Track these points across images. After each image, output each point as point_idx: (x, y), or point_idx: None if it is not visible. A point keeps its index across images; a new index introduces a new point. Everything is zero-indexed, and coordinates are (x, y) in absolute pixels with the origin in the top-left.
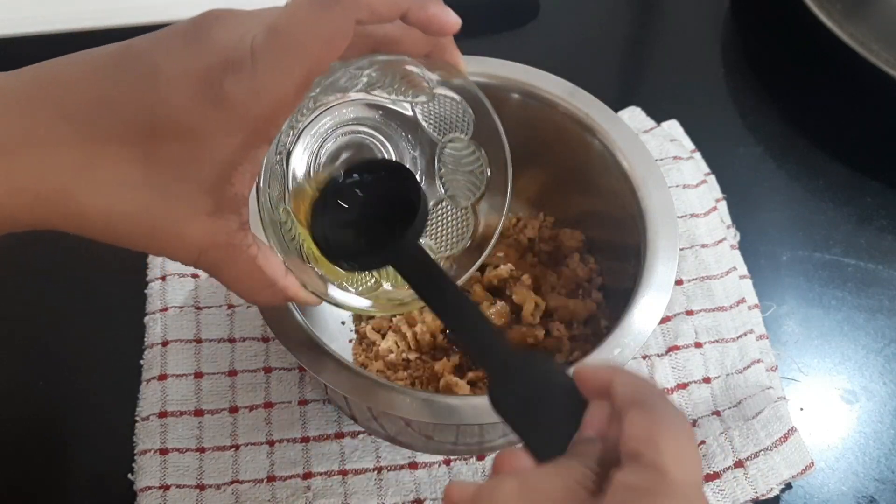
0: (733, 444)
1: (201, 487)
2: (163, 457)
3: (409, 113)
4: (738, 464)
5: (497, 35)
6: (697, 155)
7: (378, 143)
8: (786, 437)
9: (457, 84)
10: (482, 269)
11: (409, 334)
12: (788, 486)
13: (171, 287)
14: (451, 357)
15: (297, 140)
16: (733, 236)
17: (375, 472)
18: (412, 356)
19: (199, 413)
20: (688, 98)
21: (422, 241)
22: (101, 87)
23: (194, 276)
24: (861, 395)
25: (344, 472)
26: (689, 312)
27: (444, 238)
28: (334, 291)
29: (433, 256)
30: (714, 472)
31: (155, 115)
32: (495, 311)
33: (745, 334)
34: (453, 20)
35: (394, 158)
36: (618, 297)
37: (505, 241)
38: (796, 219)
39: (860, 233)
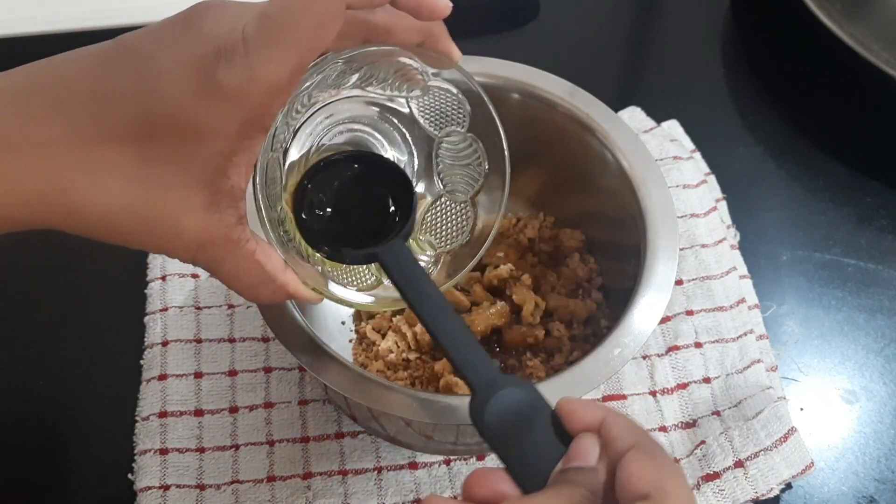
0: (733, 444)
1: (201, 487)
2: (163, 457)
3: (405, 109)
4: (739, 464)
5: (497, 35)
6: (697, 155)
7: (375, 141)
8: (786, 437)
9: (451, 76)
10: (482, 269)
11: (409, 334)
12: (788, 486)
13: (172, 287)
14: None
15: (293, 139)
16: (733, 236)
17: (375, 472)
18: (412, 356)
19: (199, 413)
20: (688, 98)
21: (421, 237)
22: (94, 82)
23: (194, 276)
24: (861, 395)
25: (344, 472)
26: (689, 312)
27: (443, 233)
28: (335, 288)
29: (433, 252)
30: (714, 472)
31: (149, 107)
32: (495, 311)
33: (745, 334)
34: (444, 4)
35: (390, 155)
36: (618, 297)
37: (505, 241)
38: (796, 219)
39: (860, 233)
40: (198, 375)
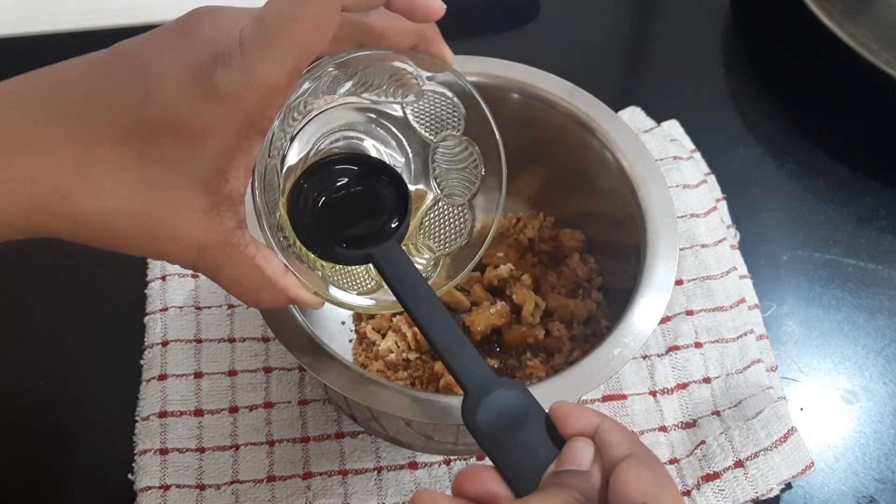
0: (733, 444)
1: (201, 487)
2: (163, 457)
3: (400, 115)
4: (739, 464)
5: (497, 35)
6: (697, 155)
7: (371, 147)
8: (786, 437)
9: (445, 79)
10: (482, 269)
11: (409, 334)
12: (788, 486)
13: (172, 287)
14: None
15: (290, 145)
16: (733, 236)
17: (375, 472)
18: (412, 356)
19: (199, 413)
20: (688, 98)
21: (420, 240)
22: (92, 87)
23: (194, 276)
24: (861, 395)
25: (344, 472)
26: (689, 312)
27: (442, 236)
28: (335, 292)
29: (433, 255)
30: (714, 471)
31: (147, 111)
32: (495, 311)
33: (745, 334)
34: (437, 5)
35: (386, 160)
36: (618, 297)
37: (505, 241)
38: (796, 219)
39: (860, 233)
40: (198, 375)
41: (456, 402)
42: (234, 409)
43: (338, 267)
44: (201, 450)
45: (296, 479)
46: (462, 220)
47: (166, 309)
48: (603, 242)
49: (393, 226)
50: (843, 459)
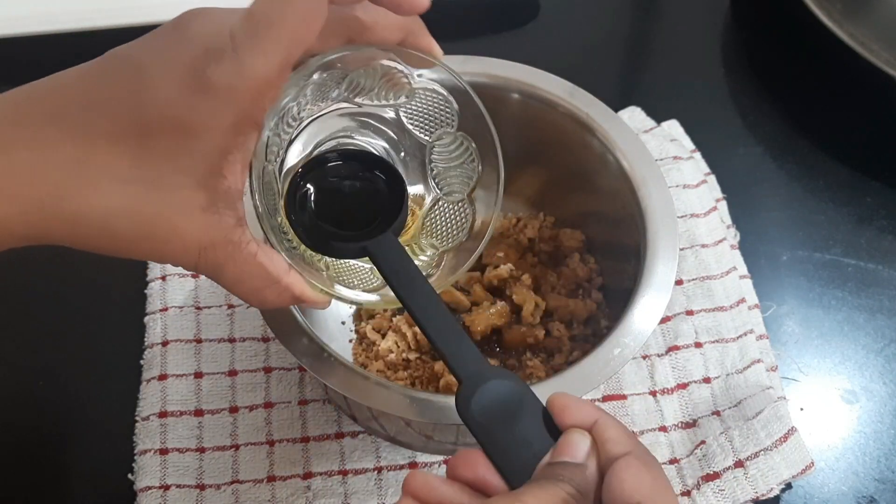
0: (733, 444)
1: (201, 487)
2: (163, 457)
3: (395, 118)
4: (739, 464)
5: (497, 35)
6: (697, 155)
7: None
8: (786, 437)
9: (435, 74)
10: (482, 269)
11: (409, 334)
12: (788, 485)
13: (172, 287)
14: None
15: (288, 151)
16: (733, 236)
17: (375, 472)
18: (412, 356)
19: (199, 413)
20: (688, 98)
21: (423, 240)
22: (88, 90)
23: (194, 276)
24: (861, 395)
25: (344, 472)
26: (689, 312)
27: (443, 233)
28: (341, 289)
29: (435, 251)
30: (714, 471)
31: (143, 109)
32: (495, 311)
33: (746, 334)
34: None
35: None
36: (618, 297)
37: (505, 241)
38: (796, 219)
39: (860, 233)
40: (198, 375)
41: None
42: (234, 409)
43: (342, 266)
44: (201, 450)
45: (296, 479)
46: (463, 214)
47: (166, 309)
48: (603, 242)
49: (388, 218)
50: (843, 459)
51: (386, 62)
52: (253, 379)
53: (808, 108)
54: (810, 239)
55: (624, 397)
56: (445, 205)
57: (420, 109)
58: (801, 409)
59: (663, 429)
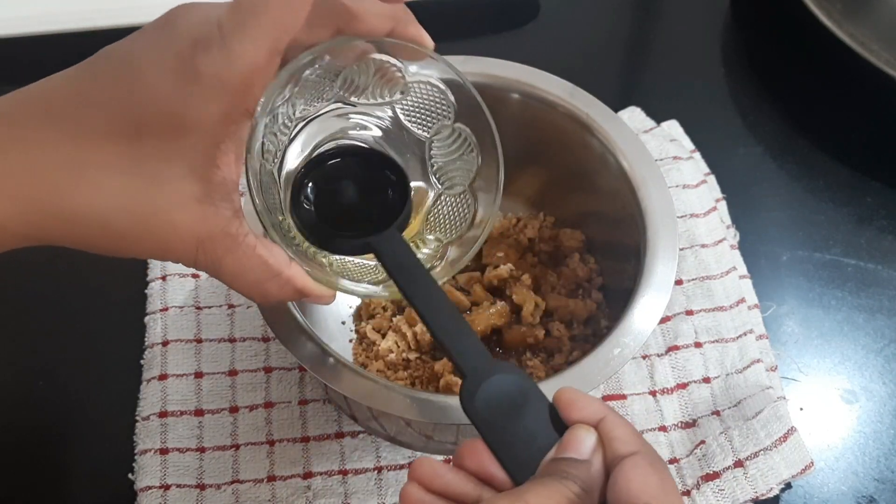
0: (733, 444)
1: (201, 487)
2: (163, 456)
3: (392, 117)
4: (738, 463)
5: (497, 35)
6: (697, 155)
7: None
8: (785, 437)
9: (428, 66)
10: (482, 269)
11: (409, 334)
12: (788, 485)
13: (172, 287)
14: None
15: (287, 152)
16: (733, 236)
17: (375, 471)
18: (412, 356)
19: (199, 413)
20: (688, 98)
21: (429, 235)
22: (81, 88)
23: (194, 275)
24: (861, 394)
25: (344, 472)
26: (689, 312)
27: (447, 226)
28: (345, 281)
29: (440, 244)
30: (714, 471)
31: (134, 103)
32: (495, 311)
33: (745, 334)
34: None
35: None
36: (618, 297)
37: (505, 241)
38: (796, 219)
39: (860, 233)
40: (198, 375)
41: (456, 401)
42: (234, 409)
43: (344, 264)
44: (201, 449)
45: (296, 478)
46: (465, 206)
47: (166, 309)
48: (603, 242)
49: (392, 214)
50: (843, 459)
51: (378, 56)
52: (253, 379)
53: (808, 108)
54: (810, 239)
55: (624, 397)
56: (447, 198)
57: (416, 104)
58: (801, 409)
59: (663, 429)
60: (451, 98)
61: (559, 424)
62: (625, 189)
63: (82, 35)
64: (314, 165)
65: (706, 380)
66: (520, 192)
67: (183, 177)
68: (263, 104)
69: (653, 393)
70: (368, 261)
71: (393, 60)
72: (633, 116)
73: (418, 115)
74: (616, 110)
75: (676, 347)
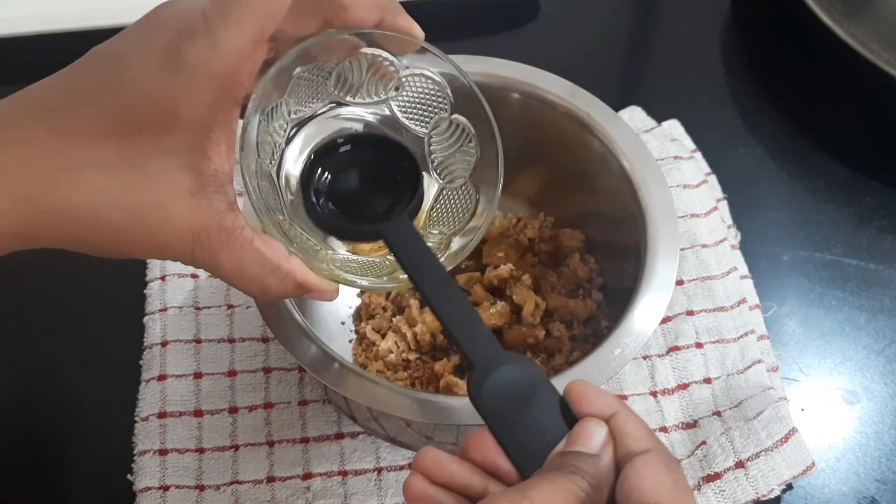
0: (734, 445)
1: (201, 488)
2: (162, 457)
3: (389, 115)
4: (739, 464)
5: (497, 35)
6: (698, 155)
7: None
8: (787, 438)
9: (421, 58)
10: (482, 269)
11: (409, 334)
12: (789, 486)
13: (171, 287)
14: (451, 357)
15: (284, 154)
16: (734, 236)
17: (375, 472)
18: (412, 356)
19: (198, 413)
20: (688, 98)
21: (433, 230)
22: (70, 86)
23: (194, 276)
24: (862, 395)
25: (344, 473)
26: (690, 313)
27: (449, 219)
28: (347, 273)
29: (444, 236)
30: (715, 472)
31: (123, 98)
32: (495, 311)
33: (746, 334)
34: None
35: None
36: (618, 297)
37: (505, 241)
38: (797, 219)
39: (861, 233)
40: (197, 376)
41: (456, 402)
42: (233, 410)
43: (347, 263)
44: (201, 450)
45: (296, 479)
46: (467, 197)
47: (166, 309)
48: (603, 242)
49: (403, 202)
50: (844, 460)
51: (370, 51)
52: (252, 379)
53: (808, 108)
54: (811, 239)
55: (624, 398)
56: (449, 192)
57: (412, 99)
58: (802, 410)
59: (664, 429)
60: (446, 89)
61: (569, 417)
62: (625, 189)
63: (82, 35)
64: (325, 152)
65: (707, 380)
66: (520, 191)
67: (173, 167)
68: (255, 100)
69: (653, 393)
70: (370, 258)
71: (385, 54)
72: (634, 116)
73: (415, 110)
74: (616, 110)
75: (677, 348)
